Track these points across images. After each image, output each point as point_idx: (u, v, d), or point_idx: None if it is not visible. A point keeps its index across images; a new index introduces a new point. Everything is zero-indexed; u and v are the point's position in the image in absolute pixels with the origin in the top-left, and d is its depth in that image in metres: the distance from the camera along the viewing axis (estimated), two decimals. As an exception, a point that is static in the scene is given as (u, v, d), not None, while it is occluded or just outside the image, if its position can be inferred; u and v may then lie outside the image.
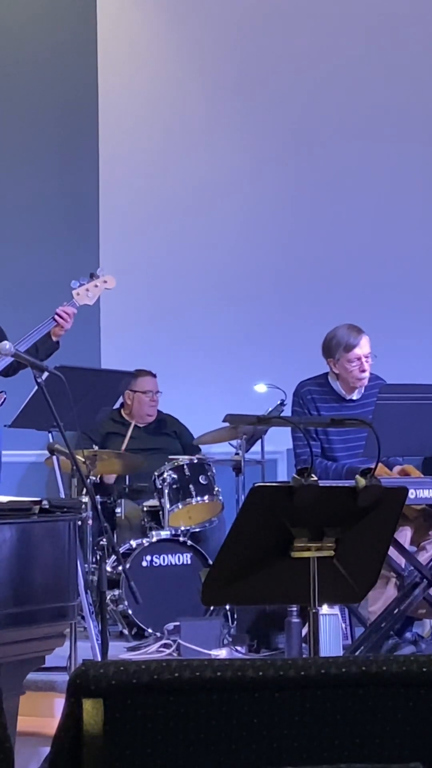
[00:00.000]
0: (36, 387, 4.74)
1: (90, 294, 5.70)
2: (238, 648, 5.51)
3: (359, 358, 5.72)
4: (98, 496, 6.19)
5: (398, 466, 5.67)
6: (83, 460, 5.74)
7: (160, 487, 6.34)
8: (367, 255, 7.93)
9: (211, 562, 5.61)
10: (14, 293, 7.22)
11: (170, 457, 6.55)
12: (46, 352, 5.60)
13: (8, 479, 6.56)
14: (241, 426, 6.04)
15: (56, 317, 5.56)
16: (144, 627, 5.89)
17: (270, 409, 6.27)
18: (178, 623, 5.55)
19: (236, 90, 7.95)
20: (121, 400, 7.09)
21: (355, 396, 5.82)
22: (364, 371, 5.75)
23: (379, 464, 5.49)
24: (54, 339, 5.65)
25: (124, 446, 6.78)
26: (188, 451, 6.98)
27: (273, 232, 7.94)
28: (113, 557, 5.98)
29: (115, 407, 6.92)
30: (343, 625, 5.51)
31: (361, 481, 3.22)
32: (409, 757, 2.03)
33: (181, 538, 6.16)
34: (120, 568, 5.80)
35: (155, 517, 6.47)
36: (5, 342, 4.87)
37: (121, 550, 6.02)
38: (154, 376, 7.18)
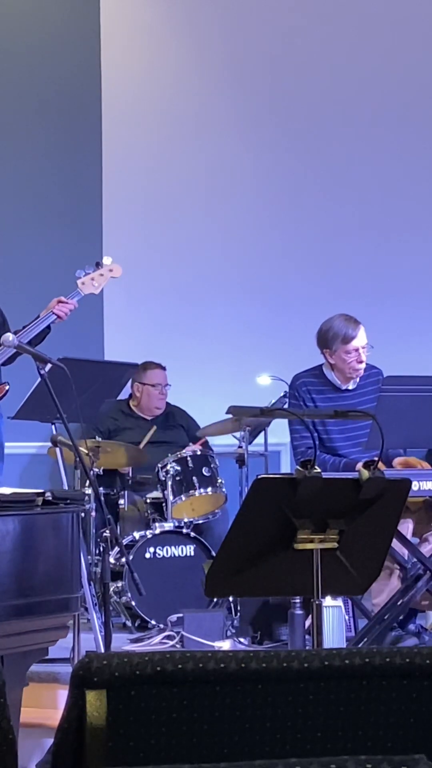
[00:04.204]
0: (39, 379, 4.74)
1: (95, 283, 5.68)
2: (242, 640, 5.51)
3: (357, 350, 5.72)
4: (101, 488, 6.19)
5: (400, 458, 5.65)
6: (86, 451, 5.73)
7: (163, 479, 6.34)
8: (370, 245, 7.92)
9: (214, 553, 5.61)
10: (18, 282, 7.22)
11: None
12: (40, 338, 5.58)
13: (12, 470, 6.57)
14: (244, 418, 6.04)
15: (57, 311, 5.53)
16: (147, 619, 5.89)
17: (273, 401, 6.26)
18: (181, 615, 5.56)
19: (238, 78, 7.94)
20: (129, 391, 7.09)
21: (350, 386, 5.81)
22: (361, 362, 5.75)
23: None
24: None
25: (143, 444, 6.78)
26: (196, 443, 6.97)
27: (276, 223, 7.94)
28: (116, 549, 5.98)
29: (122, 398, 6.91)
30: (347, 617, 5.51)
31: (365, 473, 3.22)
32: (412, 748, 2.03)
33: (185, 530, 6.17)
34: (123, 559, 5.80)
35: (158, 508, 6.47)
36: (8, 334, 4.87)
37: (125, 541, 6.02)
38: (164, 368, 7.15)
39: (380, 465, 5.41)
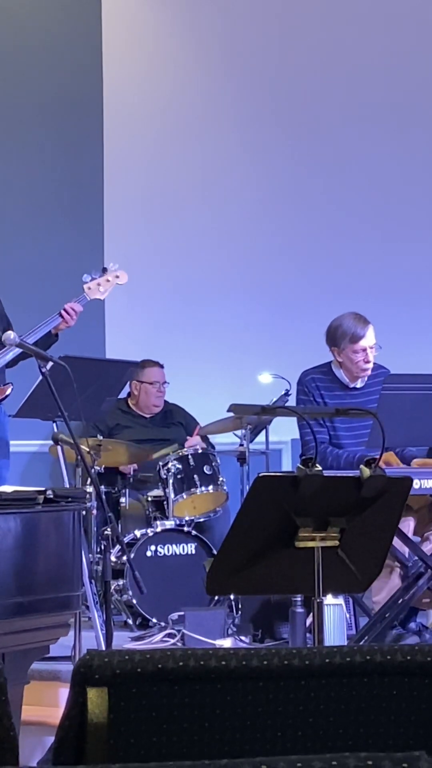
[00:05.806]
0: (41, 377, 4.75)
1: (102, 289, 5.73)
2: (243, 638, 5.51)
3: (365, 349, 5.72)
4: (103, 486, 6.19)
5: (419, 459, 5.63)
6: (88, 449, 5.73)
7: (164, 477, 6.34)
8: (371, 243, 7.92)
9: (215, 552, 5.61)
10: (19, 285, 7.22)
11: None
12: (46, 345, 5.60)
13: (13, 468, 6.56)
14: (245, 416, 6.04)
15: (63, 314, 5.56)
16: (148, 617, 5.89)
17: (274, 399, 6.27)
18: (182, 613, 5.56)
19: (240, 78, 7.94)
20: (128, 389, 7.09)
21: (358, 384, 5.81)
22: (368, 362, 5.75)
23: (394, 456, 5.52)
24: (54, 332, 5.66)
25: (157, 454, 6.79)
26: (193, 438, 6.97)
27: (277, 222, 7.94)
28: (117, 547, 5.98)
29: (121, 397, 6.91)
30: (348, 615, 5.51)
31: (366, 471, 3.22)
32: (412, 746, 2.03)
33: (186, 528, 6.17)
34: (124, 558, 5.81)
35: (160, 506, 6.47)
36: (10, 332, 4.87)
37: (126, 540, 6.03)
38: (162, 366, 7.16)
39: (398, 462, 5.44)
